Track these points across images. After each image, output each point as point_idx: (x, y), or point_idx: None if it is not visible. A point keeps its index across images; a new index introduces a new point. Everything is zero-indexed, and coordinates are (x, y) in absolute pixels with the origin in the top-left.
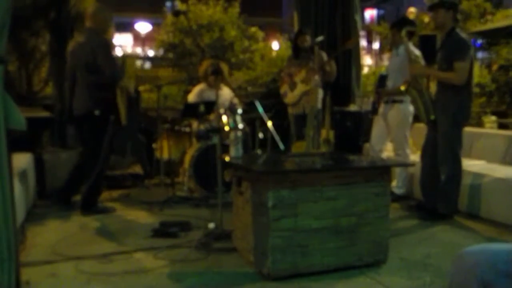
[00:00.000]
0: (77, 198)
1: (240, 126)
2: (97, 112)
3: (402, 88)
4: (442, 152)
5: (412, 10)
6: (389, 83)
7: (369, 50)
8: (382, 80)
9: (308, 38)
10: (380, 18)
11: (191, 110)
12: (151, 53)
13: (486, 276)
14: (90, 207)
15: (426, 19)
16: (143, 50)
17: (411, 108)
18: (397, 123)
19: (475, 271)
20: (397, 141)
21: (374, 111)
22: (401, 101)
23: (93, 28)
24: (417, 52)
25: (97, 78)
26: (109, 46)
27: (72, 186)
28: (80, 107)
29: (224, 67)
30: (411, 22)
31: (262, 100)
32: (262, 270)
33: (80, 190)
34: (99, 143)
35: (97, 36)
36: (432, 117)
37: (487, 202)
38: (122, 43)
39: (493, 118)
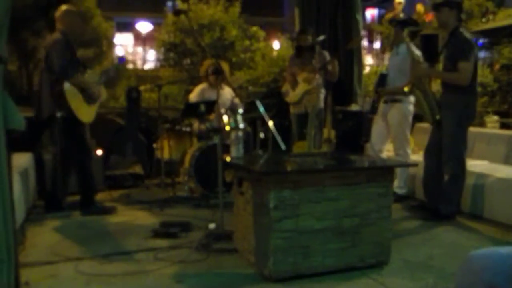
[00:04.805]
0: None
1: (241, 126)
2: (59, 114)
3: (406, 89)
4: (447, 152)
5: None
6: (389, 82)
7: (370, 49)
8: (382, 79)
9: (309, 37)
10: (381, 17)
11: (191, 110)
12: (152, 53)
13: (493, 280)
14: (88, 206)
15: (421, 9)
16: (144, 49)
17: (411, 108)
18: (397, 123)
19: (482, 275)
20: (397, 141)
21: (373, 110)
22: (400, 101)
23: (61, 30)
24: (417, 52)
25: (52, 76)
26: (62, 44)
27: (57, 190)
28: (45, 109)
29: (225, 67)
30: (414, 23)
31: (263, 99)
32: (263, 271)
33: (67, 190)
34: (68, 143)
35: (59, 36)
36: (438, 117)
37: (490, 203)
38: (123, 43)
39: (495, 117)
